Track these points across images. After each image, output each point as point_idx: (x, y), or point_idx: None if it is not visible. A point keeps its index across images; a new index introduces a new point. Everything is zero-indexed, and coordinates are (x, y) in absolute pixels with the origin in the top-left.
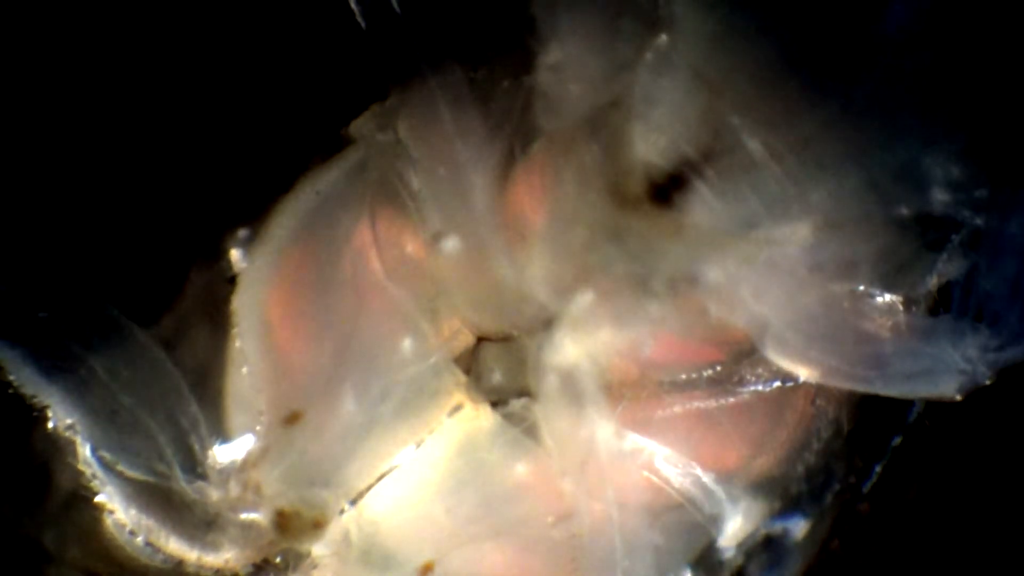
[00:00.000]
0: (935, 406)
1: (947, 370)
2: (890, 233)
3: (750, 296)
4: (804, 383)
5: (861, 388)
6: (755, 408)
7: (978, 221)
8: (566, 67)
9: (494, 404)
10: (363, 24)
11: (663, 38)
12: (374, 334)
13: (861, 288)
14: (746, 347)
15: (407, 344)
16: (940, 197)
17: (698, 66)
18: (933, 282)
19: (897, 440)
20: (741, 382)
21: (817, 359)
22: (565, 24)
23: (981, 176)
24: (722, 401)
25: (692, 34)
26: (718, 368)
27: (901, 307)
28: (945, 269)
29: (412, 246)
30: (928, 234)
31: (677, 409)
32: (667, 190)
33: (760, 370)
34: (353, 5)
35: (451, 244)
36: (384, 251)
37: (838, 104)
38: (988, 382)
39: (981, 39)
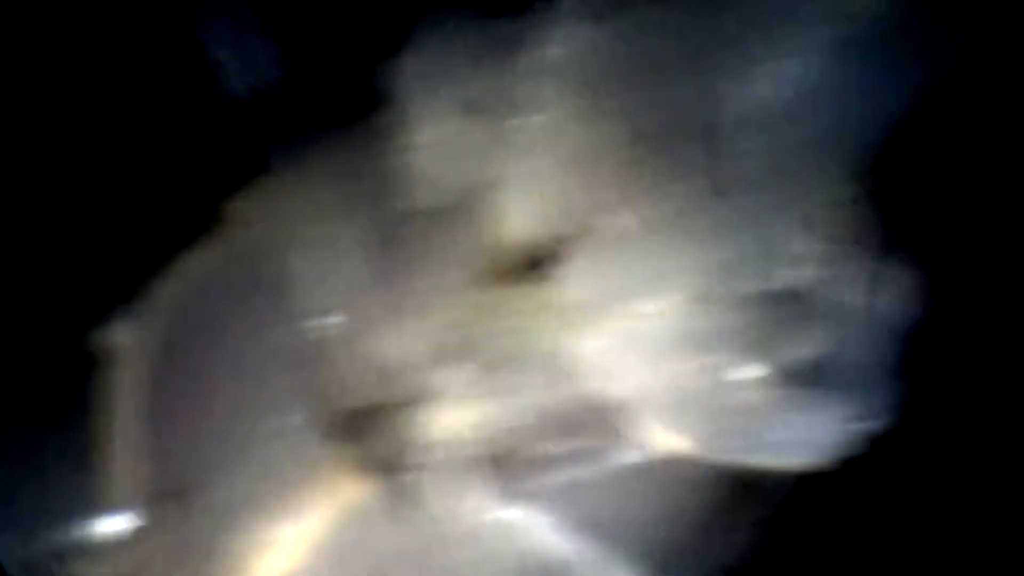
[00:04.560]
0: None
1: (810, 442)
2: (759, 306)
3: (622, 368)
4: (681, 451)
5: (727, 458)
6: (636, 477)
7: (846, 295)
8: (440, 146)
9: (380, 475)
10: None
11: (537, 117)
12: (257, 410)
13: (729, 361)
14: (621, 418)
15: (291, 419)
16: (809, 272)
17: (571, 143)
18: (800, 355)
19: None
20: (618, 452)
21: (686, 430)
22: (439, 104)
23: (849, 251)
24: (602, 471)
25: (565, 112)
26: (596, 438)
27: (768, 379)
28: (812, 342)
29: (296, 323)
30: (796, 307)
31: (559, 479)
32: (541, 265)
33: (636, 441)
34: (225, 83)
35: (334, 321)
36: (267, 329)
37: (709, 179)
38: (855, 453)
39: (848, 114)
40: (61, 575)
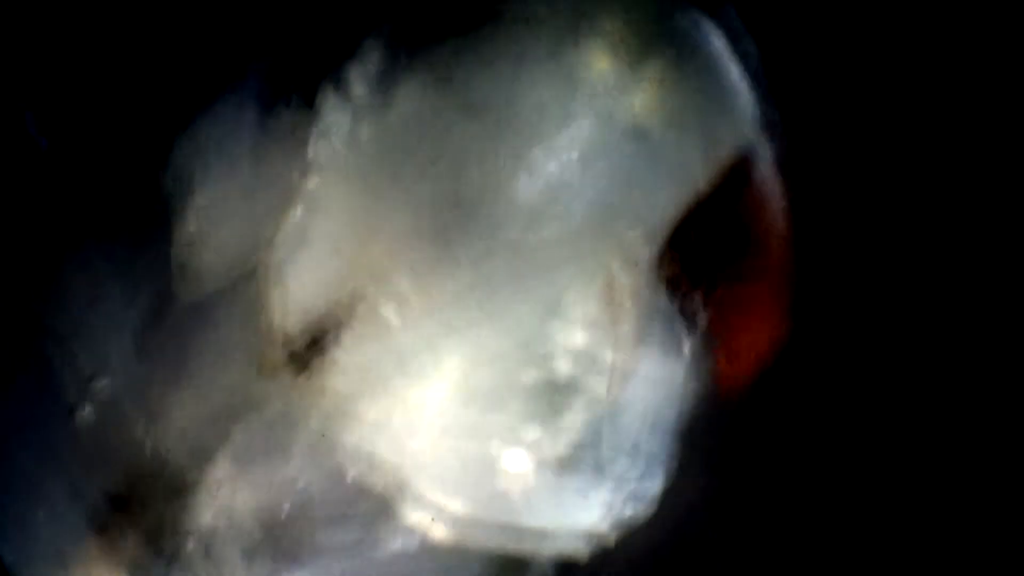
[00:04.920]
0: None
1: (578, 527)
2: (523, 396)
3: (387, 457)
4: (451, 536)
5: (497, 544)
6: (405, 563)
7: (602, 385)
8: (204, 239)
9: (133, 571)
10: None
11: (299, 211)
12: (20, 497)
13: (495, 448)
14: (390, 504)
15: (54, 507)
16: (565, 364)
17: (334, 237)
18: (563, 442)
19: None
20: (387, 539)
21: (456, 516)
22: (204, 196)
23: (622, 340)
24: (371, 557)
25: (329, 208)
26: (366, 525)
27: (532, 466)
28: (581, 429)
29: (62, 409)
30: (557, 396)
31: (328, 567)
32: (305, 356)
33: (405, 526)
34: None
35: (100, 408)
36: (30, 416)
37: (469, 273)
38: (623, 538)
39: (620, 206)
40: None
